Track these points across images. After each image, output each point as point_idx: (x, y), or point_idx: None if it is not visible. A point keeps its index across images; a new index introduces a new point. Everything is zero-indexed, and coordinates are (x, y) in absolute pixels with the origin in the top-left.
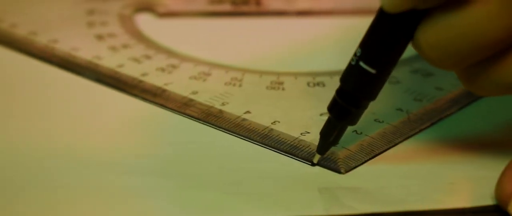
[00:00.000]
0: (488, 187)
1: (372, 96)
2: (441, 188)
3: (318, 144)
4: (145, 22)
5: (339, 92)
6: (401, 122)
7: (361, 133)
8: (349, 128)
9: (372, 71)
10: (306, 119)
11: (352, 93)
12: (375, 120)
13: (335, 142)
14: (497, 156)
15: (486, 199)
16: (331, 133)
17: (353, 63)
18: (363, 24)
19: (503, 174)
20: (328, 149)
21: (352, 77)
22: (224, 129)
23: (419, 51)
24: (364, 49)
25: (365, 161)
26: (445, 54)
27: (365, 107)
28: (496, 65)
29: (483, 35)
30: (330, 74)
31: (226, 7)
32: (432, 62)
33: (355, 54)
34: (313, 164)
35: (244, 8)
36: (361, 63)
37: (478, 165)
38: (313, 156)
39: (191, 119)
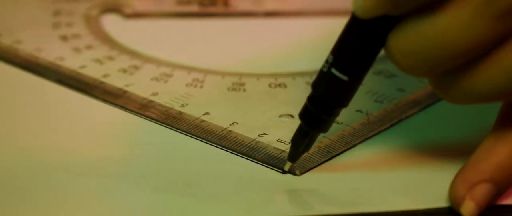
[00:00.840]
0: (443, 189)
1: (344, 103)
2: (395, 190)
3: (289, 151)
4: (111, 23)
5: (310, 99)
6: (360, 123)
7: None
8: None
9: (344, 78)
10: (265, 121)
11: (324, 100)
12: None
13: (306, 149)
14: (454, 159)
15: (440, 201)
16: (302, 141)
17: (325, 70)
18: (331, 25)
19: (456, 177)
20: (299, 157)
21: (324, 84)
22: (183, 131)
23: (391, 58)
24: (336, 56)
25: (322, 163)
26: (417, 62)
27: (337, 114)
28: (467, 74)
29: (455, 43)
30: (293, 75)
31: (194, 8)
32: (404, 70)
33: (326, 61)
34: (284, 172)
35: (212, 9)
36: (333, 70)
37: (434, 167)
38: (271, 158)
39: (151, 120)
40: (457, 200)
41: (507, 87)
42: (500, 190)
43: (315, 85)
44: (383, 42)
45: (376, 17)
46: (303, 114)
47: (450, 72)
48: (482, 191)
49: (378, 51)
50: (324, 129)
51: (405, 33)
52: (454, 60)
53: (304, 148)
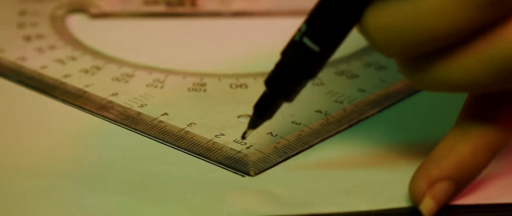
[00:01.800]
0: (396, 190)
1: (312, 74)
2: (349, 190)
3: (251, 118)
4: (77, 23)
5: (279, 66)
6: (319, 124)
7: (277, 135)
8: (264, 130)
9: (316, 48)
10: (223, 121)
11: (292, 69)
12: (292, 122)
13: (269, 117)
14: (411, 159)
15: (393, 202)
16: (265, 108)
17: (296, 39)
18: (298, 25)
19: (417, 172)
20: (260, 124)
21: (294, 52)
22: (140, 131)
23: (365, 34)
24: (310, 26)
25: (277, 163)
26: (392, 39)
27: (304, 85)
28: (442, 60)
29: (435, 26)
30: (255, 75)
31: (161, 8)
32: (377, 47)
33: (299, 30)
34: (243, 138)
35: (179, 9)
36: (305, 39)
37: (390, 168)
38: (226, 159)
39: (109, 121)
40: (417, 197)
41: (480, 78)
42: (459, 187)
43: (285, 53)
44: (358, 16)
45: None
46: (269, 81)
47: (423, 56)
48: (442, 188)
49: (352, 24)
50: (289, 98)
51: (384, 7)
52: (431, 43)
53: (266, 116)
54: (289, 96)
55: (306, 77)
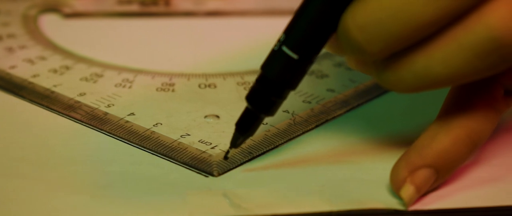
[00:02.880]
0: (359, 191)
1: (294, 84)
2: (312, 191)
3: (233, 136)
4: (50, 22)
5: (259, 80)
6: (286, 124)
7: None
8: (229, 130)
9: (294, 56)
10: (189, 121)
11: (274, 81)
12: None
13: (251, 134)
14: (376, 159)
15: (354, 203)
16: (248, 125)
17: (276, 48)
18: (271, 25)
19: (399, 160)
20: (243, 142)
21: (274, 63)
22: (106, 132)
23: (345, 35)
24: (288, 34)
25: (242, 164)
26: (374, 35)
27: (286, 96)
28: (421, 54)
29: (415, 16)
30: (224, 75)
31: (135, 7)
32: (357, 47)
33: (278, 40)
34: (226, 158)
35: (153, 9)
36: (284, 48)
37: (354, 168)
38: (191, 159)
39: (76, 122)
40: (397, 183)
41: (460, 67)
42: (441, 176)
43: (265, 65)
44: (336, 23)
45: None
46: (250, 97)
47: (402, 52)
48: (423, 175)
49: (330, 31)
50: (272, 112)
51: (363, 6)
52: (412, 34)
53: (248, 133)
54: (271, 110)
55: (287, 87)
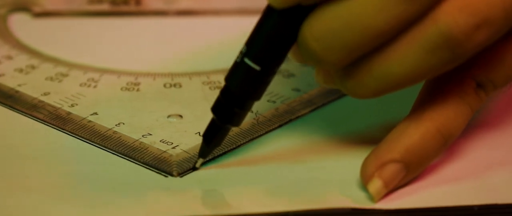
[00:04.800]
0: (317, 191)
1: (256, 95)
2: (270, 191)
3: (200, 147)
4: (19, 22)
5: (223, 92)
6: (249, 124)
7: None
8: (192, 130)
9: (257, 68)
10: (152, 121)
11: (237, 93)
12: None
13: (218, 144)
14: (338, 159)
15: (312, 203)
16: (213, 135)
17: (238, 60)
18: (242, 24)
19: (368, 156)
20: (210, 152)
21: (236, 75)
22: (69, 132)
23: (304, 46)
24: (250, 46)
25: (202, 164)
26: (330, 46)
27: (249, 108)
28: (379, 58)
29: (369, 25)
30: (190, 75)
31: (105, 6)
32: (316, 57)
33: (241, 52)
34: (194, 168)
35: (124, 8)
36: (246, 60)
37: (314, 168)
38: (151, 159)
39: (39, 122)
40: (366, 177)
41: (418, 66)
42: (410, 172)
43: (228, 77)
44: (296, 33)
45: (290, 7)
46: (215, 108)
47: (361, 59)
48: (391, 170)
49: (291, 42)
50: (236, 123)
51: (319, 17)
52: (368, 42)
53: (214, 143)
54: (236, 120)
55: (250, 99)
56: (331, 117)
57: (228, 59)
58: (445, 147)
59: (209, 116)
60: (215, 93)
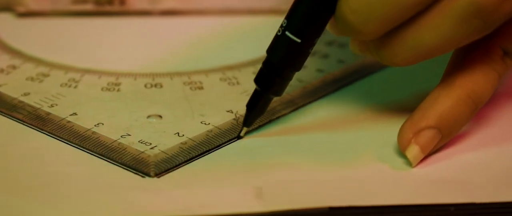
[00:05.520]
0: (293, 191)
1: (297, 66)
2: (248, 192)
3: (244, 116)
4: (2, 22)
5: (266, 63)
6: (229, 124)
7: (183, 135)
8: (171, 131)
9: (297, 40)
10: (131, 121)
11: (278, 64)
12: (201, 122)
13: (261, 112)
14: (316, 161)
15: (287, 204)
16: (256, 105)
17: (279, 33)
18: (225, 24)
19: (404, 124)
20: (254, 121)
21: (277, 47)
22: (48, 132)
23: (341, 19)
24: (290, 19)
25: (181, 164)
26: (367, 18)
27: (289, 77)
28: (414, 28)
29: None
30: (171, 75)
31: (90, 6)
32: (353, 29)
33: (281, 26)
34: (239, 137)
35: (108, 8)
36: (287, 33)
37: (291, 169)
38: (129, 159)
39: (19, 122)
40: (403, 144)
41: (448, 34)
42: (444, 136)
43: (269, 49)
44: (334, 7)
45: None
46: (258, 78)
47: (395, 29)
48: (426, 136)
49: (329, 15)
50: (277, 91)
51: None
52: (402, 14)
53: (258, 112)
54: (277, 90)
55: (291, 69)
56: (311, 117)
57: (210, 59)
58: (475, 112)
59: (189, 116)
60: (196, 94)
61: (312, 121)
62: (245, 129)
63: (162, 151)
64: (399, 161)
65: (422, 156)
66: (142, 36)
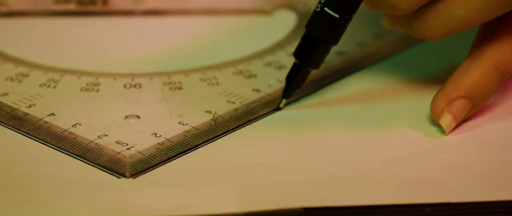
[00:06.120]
0: (272, 192)
1: (335, 40)
2: (225, 193)
3: (284, 88)
4: None
5: (304, 38)
6: (206, 125)
7: (161, 136)
8: (148, 131)
9: (335, 15)
10: (109, 122)
11: (317, 38)
12: (179, 122)
13: (299, 85)
14: (294, 161)
15: (262, 204)
16: (294, 77)
17: (317, 9)
18: (208, 24)
19: (437, 93)
20: (293, 93)
21: (316, 22)
22: (25, 133)
23: None
24: None
25: (157, 165)
26: None
27: (327, 51)
28: (444, 3)
29: None
30: (151, 75)
31: (72, 6)
32: (389, 4)
33: (320, 2)
34: (278, 109)
35: (91, 8)
36: (326, 9)
37: (272, 170)
38: (106, 160)
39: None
40: (436, 113)
41: (478, 8)
42: (475, 105)
43: (308, 24)
44: None
45: None
46: (297, 52)
47: (428, 4)
48: (458, 105)
49: None
50: (314, 64)
51: None
52: None
53: (296, 84)
54: (315, 63)
55: (329, 43)
56: (290, 118)
57: (191, 60)
58: (503, 81)
59: (166, 117)
60: (175, 94)
61: (293, 124)
62: (284, 101)
63: (139, 152)
64: (433, 129)
65: (455, 124)
66: (124, 36)
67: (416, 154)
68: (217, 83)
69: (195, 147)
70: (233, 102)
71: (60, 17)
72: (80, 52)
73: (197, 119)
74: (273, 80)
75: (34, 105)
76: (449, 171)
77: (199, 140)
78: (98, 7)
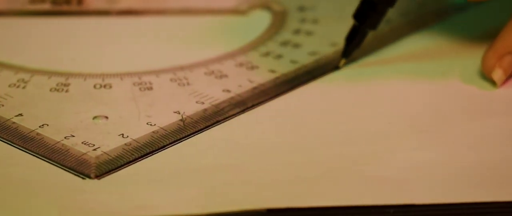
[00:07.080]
0: (237, 193)
1: (390, 1)
2: (187, 194)
3: (343, 48)
4: None
5: (364, 1)
6: (175, 125)
7: (128, 137)
8: (115, 132)
9: None
10: (76, 123)
11: (374, 0)
12: (147, 123)
13: (358, 45)
14: (263, 162)
15: (224, 206)
16: (354, 37)
17: None
18: (184, 24)
19: (487, 52)
20: (351, 53)
21: None
22: None
23: None
24: None
25: (123, 166)
26: None
27: (384, 12)
28: None
29: None
30: (122, 75)
31: (47, 6)
32: None
33: None
34: (337, 68)
35: (65, 8)
36: None
37: (238, 170)
38: (71, 161)
39: None
40: (488, 68)
41: None
42: None
43: None
44: None
45: None
46: (356, 14)
47: None
48: (508, 60)
49: None
50: (373, 25)
51: None
52: None
53: (355, 44)
54: (373, 23)
55: (386, 4)
56: (260, 119)
57: (162, 60)
58: None
59: (135, 117)
60: (144, 94)
61: (261, 124)
62: (343, 60)
63: (105, 153)
64: (484, 83)
65: (505, 78)
66: (98, 36)
67: (379, 152)
68: (188, 84)
69: (163, 147)
70: (203, 103)
71: (34, 16)
72: (53, 52)
73: (166, 119)
74: (244, 81)
75: (2, 105)
76: (411, 171)
77: (167, 140)
78: (73, 7)
